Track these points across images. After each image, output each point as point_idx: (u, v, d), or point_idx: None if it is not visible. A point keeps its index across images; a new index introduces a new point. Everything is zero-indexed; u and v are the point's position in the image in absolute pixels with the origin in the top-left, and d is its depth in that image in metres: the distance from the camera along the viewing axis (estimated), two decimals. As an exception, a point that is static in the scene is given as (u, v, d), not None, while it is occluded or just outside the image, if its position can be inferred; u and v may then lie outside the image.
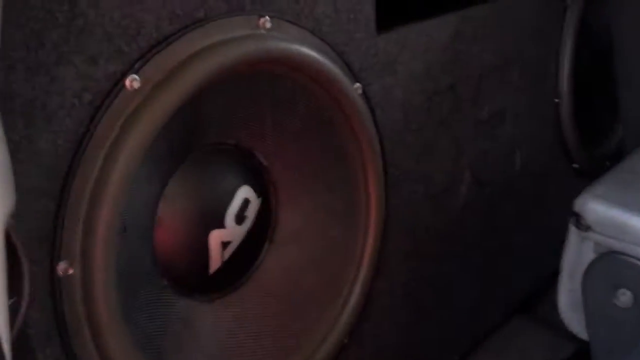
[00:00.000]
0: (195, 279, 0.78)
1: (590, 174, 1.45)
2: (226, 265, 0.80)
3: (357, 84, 0.89)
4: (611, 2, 1.28)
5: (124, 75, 0.63)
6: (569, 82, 1.32)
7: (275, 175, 0.87)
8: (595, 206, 0.90)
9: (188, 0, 0.67)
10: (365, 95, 0.91)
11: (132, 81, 0.63)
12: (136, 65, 0.64)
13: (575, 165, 1.40)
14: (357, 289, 0.90)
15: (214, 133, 0.78)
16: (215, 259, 0.78)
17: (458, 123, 1.09)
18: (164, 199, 0.73)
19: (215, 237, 0.78)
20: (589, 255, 0.92)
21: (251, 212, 0.82)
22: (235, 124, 0.80)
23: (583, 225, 0.90)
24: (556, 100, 1.32)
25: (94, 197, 0.60)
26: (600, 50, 1.47)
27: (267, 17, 0.75)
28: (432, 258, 1.08)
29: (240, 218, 0.81)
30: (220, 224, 0.78)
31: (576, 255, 0.94)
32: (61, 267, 0.60)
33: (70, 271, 0.60)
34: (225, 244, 0.79)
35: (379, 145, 0.93)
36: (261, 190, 0.85)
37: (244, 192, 0.82)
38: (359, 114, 0.87)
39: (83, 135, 0.60)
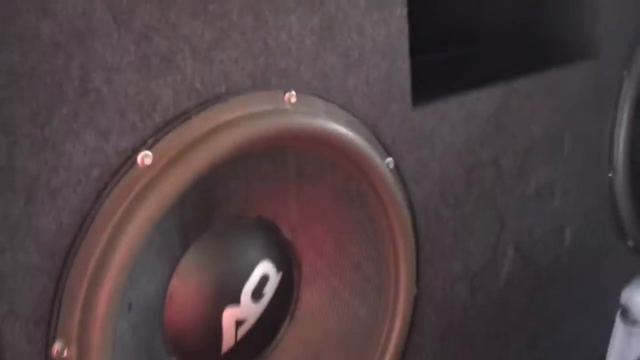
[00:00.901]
0: (206, 357, 0.74)
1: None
2: (240, 343, 0.77)
3: (389, 159, 0.85)
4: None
5: (135, 151, 0.61)
6: (625, 155, 1.25)
7: (299, 250, 0.84)
8: (643, 300, 0.83)
9: (209, 75, 0.66)
10: (397, 169, 0.87)
11: (144, 157, 0.62)
12: (149, 141, 0.62)
13: (631, 243, 1.32)
14: (382, 374, 0.85)
15: (234, 206, 0.76)
16: (229, 338, 0.75)
17: (501, 197, 1.04)
18: (176, 275, 0.71)
19: (229, 315, 0.74)
20: (638, 351, 0.85)
21: (269, 289, 0.79)
22: (258, 196, 0.77)
23: (630, 320, 0.83)
24: (610, 174, 1.25)
25: (94, 277, 0.58)
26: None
27: (293, 92, 0.73)
28: (470, 341, 1.02)
29: (257, 295, 0.78)
30: (235, 301, 0.75)
31: (623, 349, 0.86)
32: (56, 348, 0.58)
33: (66, 353, 0.58)
34: (239, 322, 0.76)
35: (412, 221, 0.89)
36: (283, 264, 0.81)
37: (264, 267, 0.79)
38: (389, 190, 0.83)
39: (88, 213, 0.59)
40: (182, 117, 0.64)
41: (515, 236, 1.08)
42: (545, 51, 1.17)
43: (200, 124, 0.65)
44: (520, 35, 1.20)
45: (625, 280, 1.33)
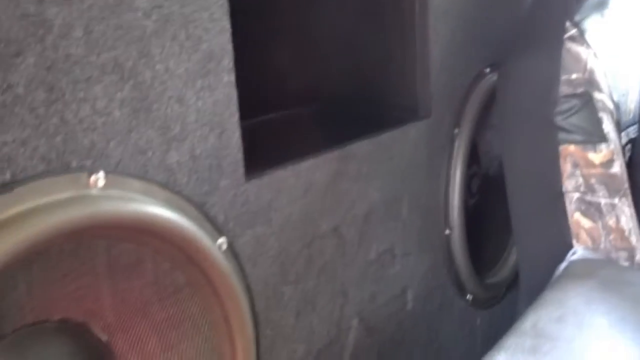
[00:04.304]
0: None
1: (485, 304, 1.38)
2: None
3: (222, 239, 0.76)
4: (504, 137, 1.23)
5: None
6: (460, 212, 1.25)
7: (119, 352, 0.71)
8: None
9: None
10: (231, 250, 0.78)
11: None
12: None
13: (469, 297, 1.32)
14: None
15: (31, 311, 0.62)
16: None
17: (343, 268, 0.98)
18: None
19: None
20: None
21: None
22: (61, 297, 0.64)
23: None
24: (447, 231, 1.24)
25: None
26: (492, 177, 1.43)
27: (101, 174, 0.62)
28: None
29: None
30: None
31: None
32: None
33: None
34: None
35: (250, 306, 0.80)
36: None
37: (73, 381, 0.65)
38: (223, 275, 0.74)
39: None
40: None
41: (359, 307, 1.02)
42: (380, 114, 1.14)
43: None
44: (356, 98, 1.17)
45: (464, 333, 1.33)
